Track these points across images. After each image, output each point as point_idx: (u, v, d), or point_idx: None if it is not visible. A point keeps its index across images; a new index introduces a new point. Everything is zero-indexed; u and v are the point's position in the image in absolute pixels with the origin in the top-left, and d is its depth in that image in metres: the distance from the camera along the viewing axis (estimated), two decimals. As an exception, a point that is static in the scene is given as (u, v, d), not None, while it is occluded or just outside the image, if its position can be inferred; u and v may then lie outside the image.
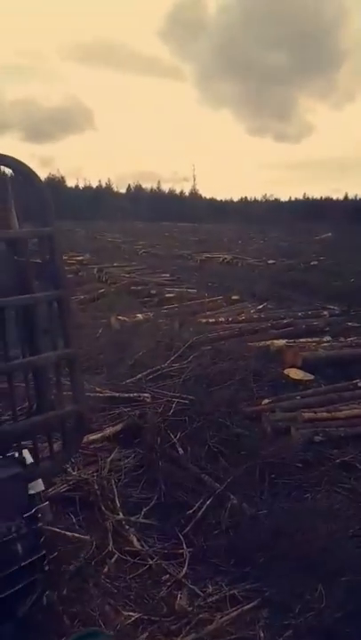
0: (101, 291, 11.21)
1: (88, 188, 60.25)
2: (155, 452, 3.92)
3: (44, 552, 2.56)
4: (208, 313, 8.96)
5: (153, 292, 11.38)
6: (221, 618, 2.39)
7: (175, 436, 4.09)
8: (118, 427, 4.26)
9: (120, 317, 8.31)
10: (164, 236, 29.93)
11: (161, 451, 3.93)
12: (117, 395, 5.01)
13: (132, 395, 4.98)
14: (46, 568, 2.54)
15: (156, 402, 4.79)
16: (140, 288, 11.85)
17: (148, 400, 4.84)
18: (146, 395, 4.94)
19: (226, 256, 18.51)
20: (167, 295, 10.91)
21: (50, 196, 2.45)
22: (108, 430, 4.19)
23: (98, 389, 5.17)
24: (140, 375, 5.58)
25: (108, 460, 3.86)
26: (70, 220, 29.11)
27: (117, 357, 6.32)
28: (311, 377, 5.53)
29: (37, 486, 2.62)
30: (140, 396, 4.94)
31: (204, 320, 8.17)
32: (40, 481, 2.66)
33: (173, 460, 3.87)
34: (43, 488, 2.68)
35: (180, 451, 3.97)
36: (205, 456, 3.91)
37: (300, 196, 60.52)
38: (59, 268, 2.45)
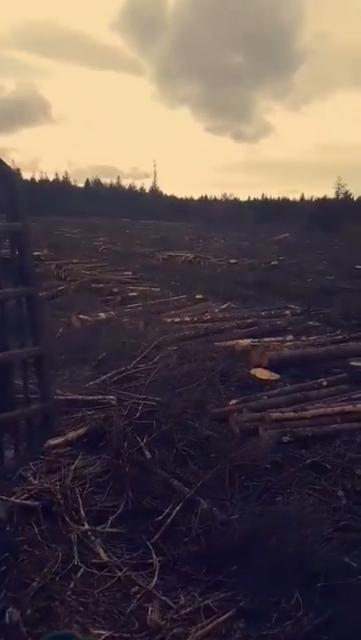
0: (60, 288, 10.90)
1: (45, 182, 58.81)
2: (121, 457, 3.79)
3: (4, 568, 2.42)
4: (173, 312, 8.88)
5: (115, 290, 11.18)
6: (196, 632, 2.30)
7: (142, 440, 3.97)
8: (82, 430, 4.09)
9: (81, 316, 8.07)
10: (124, 233, 29.60)
11: (127, 455, 3.80)
12: (80, 397, 4.84)
13: (95, 397, 4.82)
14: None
15: (121, 404, 4.65)
16: (101, 286, 11.61)
17: (114, 403, 4.69)
18: (111, 397, 4.79)
19: (188, 255, 18.51)
20: (130, 294, 10.75)
21: (22, 190, 2.34)
22: (71, 434, 4.01)
23: (59, 392, 4.96)
24: (104, 377, 5.42)
25: (72, 467, 3.69)
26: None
27: (79, 358, 6.12)
28: (277, 376, 5.57)
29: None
30: (104, 399, 4.78)
31: (169, 320, 8.08)
32: (2, 507, 2.52)
33: (141, 465, 3.75)
34: (3, 516, 2.55)
35: (148, 455, 3.86)
36: (174, 460, 3.82)
37: (259, 196, 61.73)
38: (29, 264, 2.35)
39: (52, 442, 3.85)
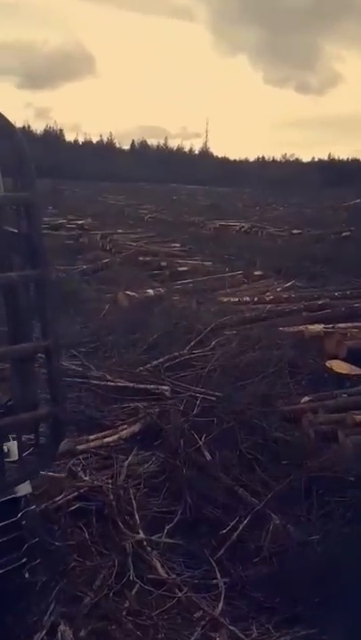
0: (106, 261, 10.91)
1: (88, 144, 59.25)
2: (178, 458, 3.67)
3: (24, 560, 2.32)
4: (229, 290, 8.64)
5: (163, 264, 11.06)
6: None
7: (201, 439, 3.84)
8: (135, 427, 4.01)
9: (128, 292, 8.01)
10: (171, 200, 29.32)
11: (185, 455, 3.68)
12: (132, 385, 4.79)
13: (148, 386, 4.74)
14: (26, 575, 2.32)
15: (176, 397, 4.55)
16: (148, 259, 11.54)
17: (168, 394, 4.59)
18: (165, 387, 4.70)
19: (244, 224, 18.05)
20: (180, 268, 10.59)
21: (29, 152, 2.07)
22: (124, 432, 3.94)
23: (109, 378, 4.92)
24: (155, 362, 5.35)
25: (126, 463, 3.62)
26: (69, 178, 28.55)
27: (128, 340, 6.06)
28: (359, 371, 5.22)
29: (24, 488, 2.38)
30: (157, 389, 4.70)
31: (225, 299, 7.86)
32: (27, 482, 2.42)
33: (200, 467, 3.63)
34: (30, 490, 2.44)
35: (208, 456, 3.72)
36: (238, 464, 3.68)
37: (325, 157, 59.14)
38: (39, 242, 2.07)
39: (107, 439, 3.80)
